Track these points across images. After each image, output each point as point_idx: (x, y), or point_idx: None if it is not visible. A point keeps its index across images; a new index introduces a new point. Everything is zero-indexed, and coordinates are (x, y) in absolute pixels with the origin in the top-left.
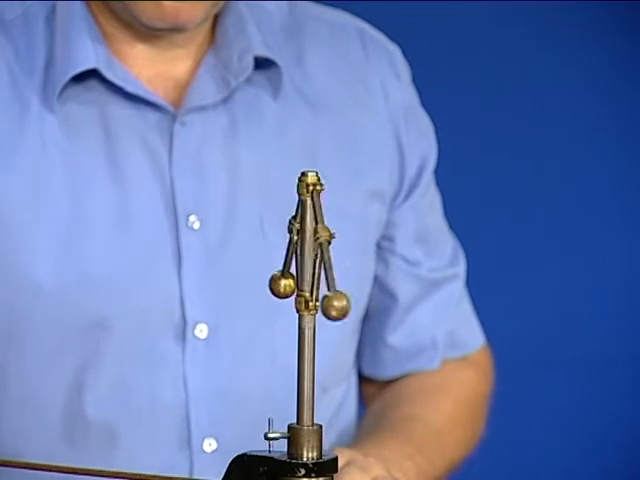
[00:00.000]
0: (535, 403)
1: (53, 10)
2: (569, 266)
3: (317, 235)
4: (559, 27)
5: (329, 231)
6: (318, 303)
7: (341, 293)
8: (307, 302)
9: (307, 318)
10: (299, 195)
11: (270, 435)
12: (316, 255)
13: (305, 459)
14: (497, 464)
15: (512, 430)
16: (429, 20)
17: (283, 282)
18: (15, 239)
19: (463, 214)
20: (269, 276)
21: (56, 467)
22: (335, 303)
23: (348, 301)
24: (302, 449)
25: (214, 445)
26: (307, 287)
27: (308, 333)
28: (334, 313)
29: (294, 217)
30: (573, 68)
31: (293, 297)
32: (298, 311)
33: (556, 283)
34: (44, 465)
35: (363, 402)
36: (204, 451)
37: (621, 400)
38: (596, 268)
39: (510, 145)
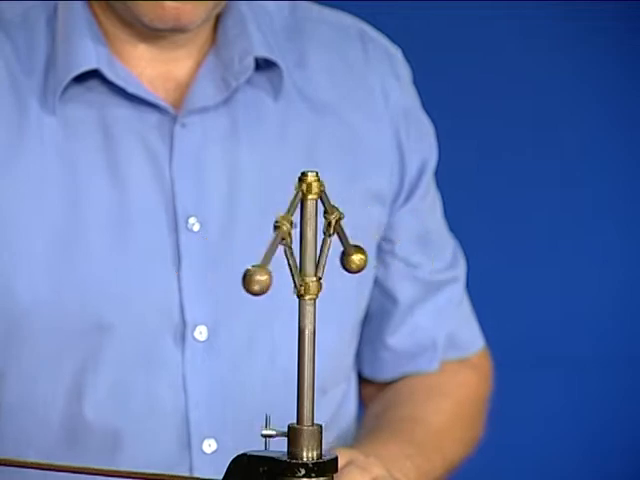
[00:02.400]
0: (535, 403)
1: (55, 11)
2: (569, 266)
3: (329, 216)
4: (560, 28)
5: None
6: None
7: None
8: (308, 287)
9: (308, 303)
10: (302, 195)
11: (265, 432)
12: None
13: (305, 459)
14: (497, 464)
15: (512, 430)
16: (430, 22)
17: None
18: (13, 242)
19: (463, 215)
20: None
21: (56, 466)
22: (353, 257)
23: (365, 254)
24: (302, 449)
25: (214, 446)
26: (309, 273)
27: (308, 329)
28: (353, 266)
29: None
30: (574, 69)
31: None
32: (299, 297)
33: (556, 283)
34: (44, 464)
35: (362, 403)
36: (204, 452)
37: (621, 400)
38: (596, 268)
39: (511, 146)
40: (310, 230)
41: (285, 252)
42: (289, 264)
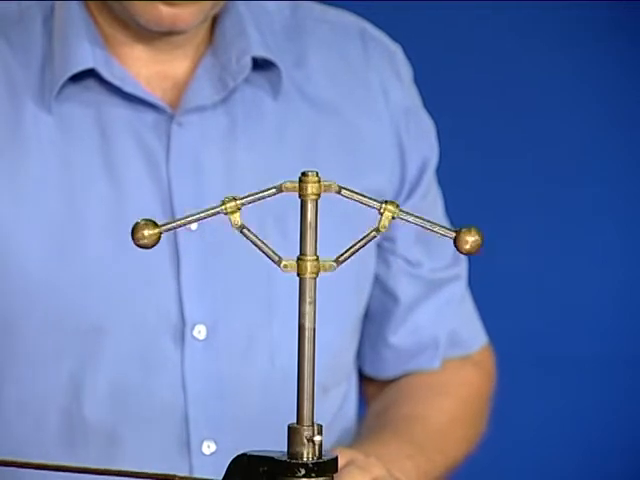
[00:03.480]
0: (534, 403)
1: (52, 11)
2: (569, 266)
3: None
4: (562, 28)
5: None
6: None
7: (473, 227)
8: (309, 265)
9: (308, 282)
10: (301, 197)
11: (316, 439)
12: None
13: (305, 459)
14: (496, 463)
15: (511, 429)
16: (431, 20)
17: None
18: (10, 242)
19: (465, 214)
20: (267, 277)
21: (55, 466)
22: (468, 237)
23: (480, 235)
24: (302, 449)
25: (213, 447)
26: (309, 252)
27: (308, 326)
28: (467, 247)
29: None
30: (576, 69)
31: (291, 290)
32: (299, 275)
33: (556, 283)
34: (43, 464)
35: (364, 402)
36: (203, 453)
37: (621, 400)
38: (596, 268)
39: (512, 145)
40: (311, 207)
41: (244, 234)
42: (254, 243)
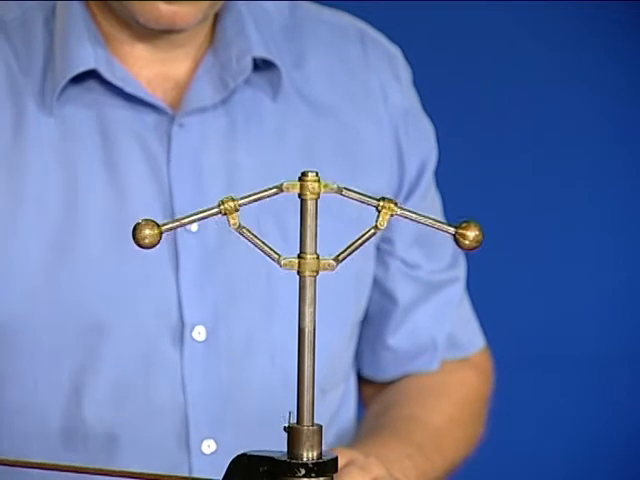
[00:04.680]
0: (534, 403)
1: (53, 11)
2: (569, 266)
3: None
4: (562, 28)
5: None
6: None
7: (473, 223)
8: (308, 263)
9: (308, 281)
10: (301, 197)
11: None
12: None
13: (305, 459)
14: (496, 463)
15: (511, 429)
16: (430, 21)
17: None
18: (10, 243)
19: (464, 214)
20: (266, 279)
21: (56, 466)
22: (468, 233)
23: (480, 230)
24: (302, 449)
25: (213, 447)
26: (309, 250)
27: (308, 327)
28: (467, 243)
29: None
30: (576, 69)
31: (292, 290)
32: (299, 273)
33: (555, 283)
34: (42, 464)
35: (363, 403)
36: (203, 453)
37: (621, 400)
38: (596, 268)
39: (511, 146)
40: (311, 207)
41: (242, 234)
42: (253, 243)
